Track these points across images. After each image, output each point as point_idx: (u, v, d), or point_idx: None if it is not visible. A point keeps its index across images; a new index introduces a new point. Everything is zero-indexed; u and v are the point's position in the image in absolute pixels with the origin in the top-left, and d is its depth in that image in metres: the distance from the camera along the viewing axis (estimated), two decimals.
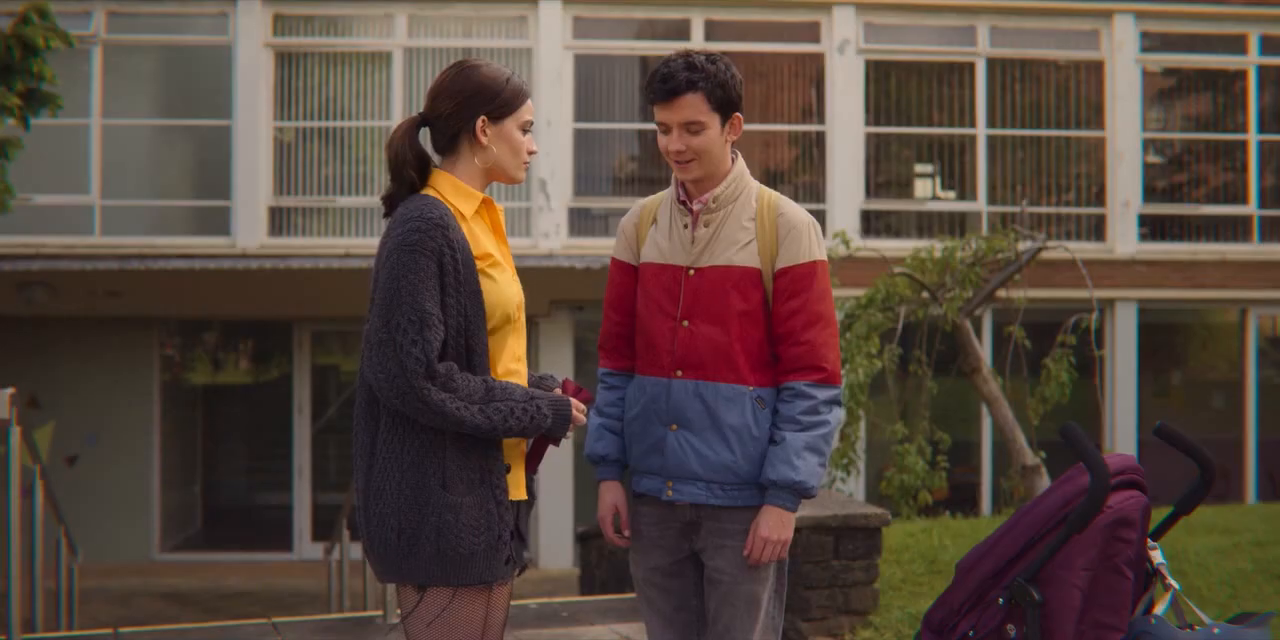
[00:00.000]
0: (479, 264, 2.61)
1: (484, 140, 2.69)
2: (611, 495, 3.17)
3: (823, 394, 3.00)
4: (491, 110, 2.67)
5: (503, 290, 2.65)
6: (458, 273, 2.56)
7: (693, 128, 2.99)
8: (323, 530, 12.80)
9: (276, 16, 12.77)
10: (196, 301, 12.98)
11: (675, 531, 3.10)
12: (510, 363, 2.69)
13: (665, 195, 3.22)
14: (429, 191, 2.67)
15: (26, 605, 5.64)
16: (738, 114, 3.05)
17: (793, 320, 3.02)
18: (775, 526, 2.96)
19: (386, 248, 2.58)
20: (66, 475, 12.50)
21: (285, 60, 12.85)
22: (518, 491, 2.69)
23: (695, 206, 3.09)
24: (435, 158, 2.76)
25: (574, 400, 2.71)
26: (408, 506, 2.55)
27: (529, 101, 2.74)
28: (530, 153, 2.77)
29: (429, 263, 2.52)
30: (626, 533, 3.15)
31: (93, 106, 12.56)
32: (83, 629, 8.14)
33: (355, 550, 7.81)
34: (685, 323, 3.05)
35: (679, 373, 3.05)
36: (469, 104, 2.67)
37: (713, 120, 3.00)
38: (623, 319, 3.22)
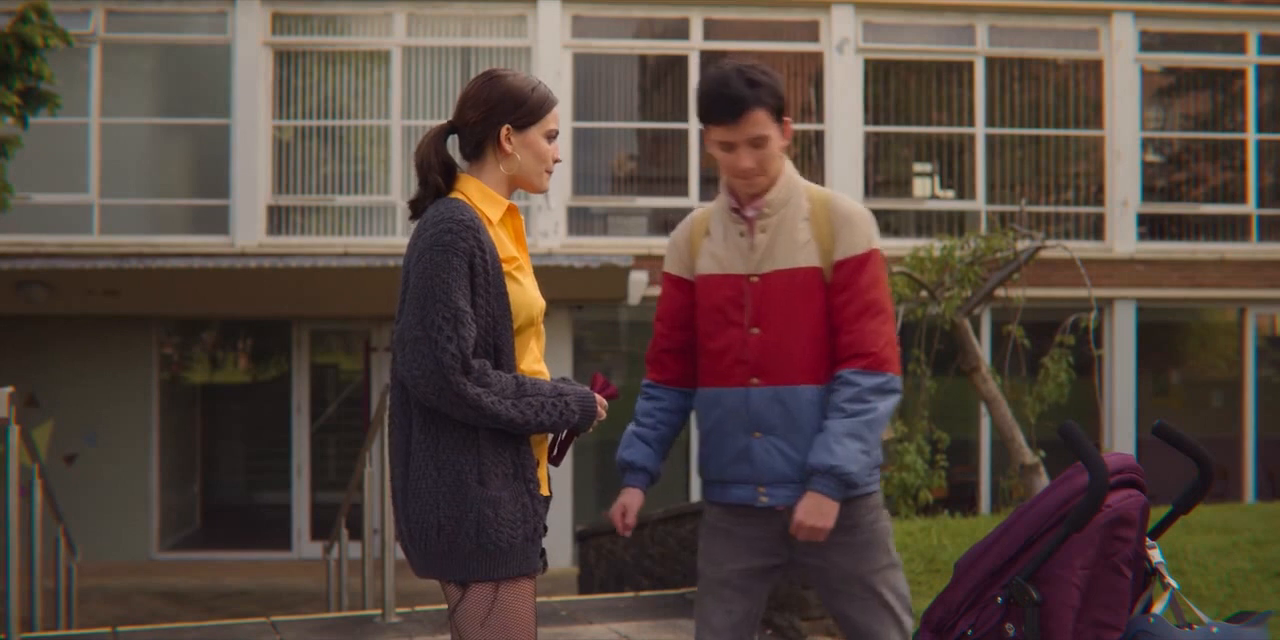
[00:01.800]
0: (505, 267, 2.66)
1: (508, 148, 2.72)
2: (628, 499, 3.19)
3: (867, 381, 2.97)
4: (516, 119, 2.71)
5: (527, 293, 2.70)
6: (487, 274, 2.60)
7: (758, 142, 2.99)
8: (321, 529, 12.81)
9: (275, 15, 12.76)
10: (195, 300, 12.98)
11: (776, 534, 3.11)
12: (532, 364, 2.75)
13: (715, 207, 3.19)
14: (457, 195, 2.71)
15: (25, 604, 5.65)
16: (787, 118, 3.07)
17: (846, 310, 3.02)
18: (811, 513, 2.93)
19: (417, 248, 2.62)
20: (65, 474, 12.50)
21: (284, 59, 12.84)
22: (544, 486, 2.74)
23: (749, 213, 3.08)
24: (462, 164, 2.79)
25: (598, 396, 2.76)
26: (446, 503, 2.58)
27: (555, 110, 2.77)
28: (555, 160, 2.80)
29: (461, 263, 2.57)
30: (629, 523, 3.18)
31: (91, 105, 12.56)
32: (81, 628, 8.15)
33: (354, 549, 7.83)
34: (755, 330, 3.05)
35: (755, 380, 3.05)
36: (494, 112, 2.70)
37: (774, 131, 3.02)
38: (671, 332, 3.22)
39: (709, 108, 3.01)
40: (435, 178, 2.71)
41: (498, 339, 2.63)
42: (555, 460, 2.81)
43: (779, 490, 3.04)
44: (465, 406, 2.53)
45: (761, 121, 2.98)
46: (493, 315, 2.62)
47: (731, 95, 2.97)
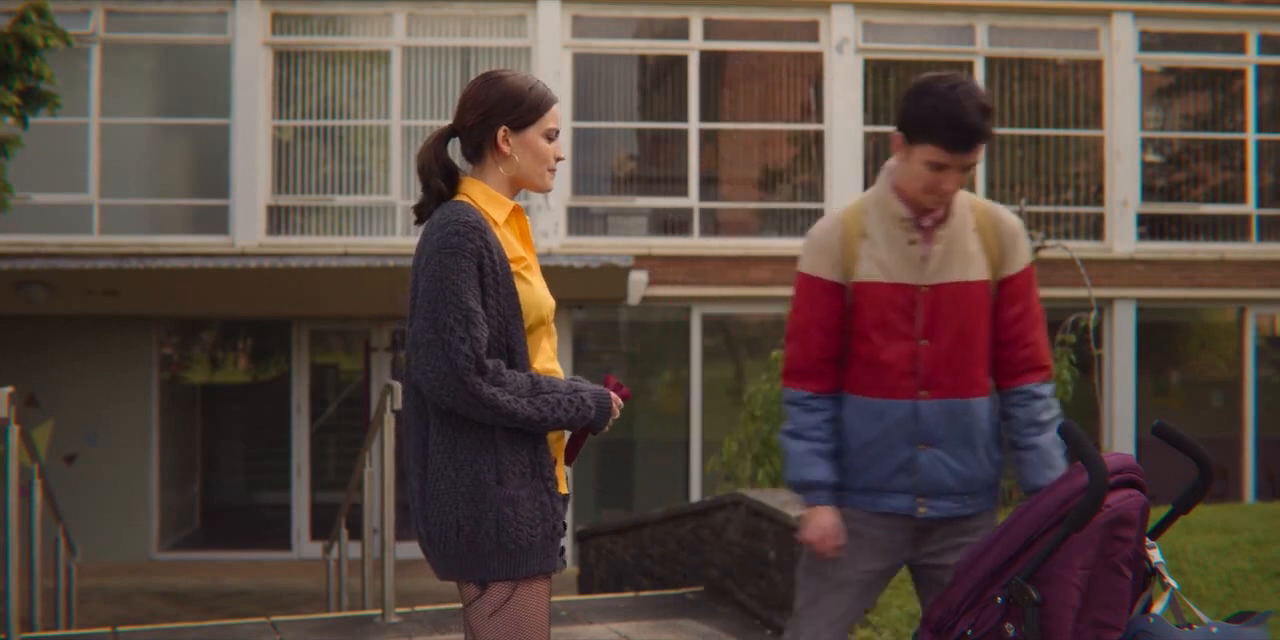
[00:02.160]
0: (513, 267, 2.67)
1: (506, 150, 2.72)
2: (824, 519, 3.10)
3: (1049, 390, 3.08)
4: (512, 120, 2.71)
5: (536, 292, 2.70)
6: (495, 275, 2.61)
7: (969, 167, 2.99)
8: (321, 529, 12.80)
9: (275, 15, 12.76)
10: (195, 300, 12.98)
11: (907, 536, 3.12)
12: (545, 363, 2.75)
13: (867, 207, 3.12)
14: (462, 198, 2.72)
15: (25, 604, 5.65)
16: None
17: (1019, 323, 3.07)
18: None
19: (425, 252, 2.63)
20: (65, 474, 12.50)
21: (284, 59, 12.84)
22: (562, 485, 2.74)
23: (927, 222, 3.05)
24: (465, 166, 2.79)
25: (613, 394, 2.75)
26: (465, 503, 2.59)
27: (553, 109, 2.75)
28: (557, 159, 2.78)
29: (470, 264, 2.57)
30: (836, 544, 3.11)
31: (91, 105, 12.55)
32: (81, 628, 8.15)
33: (354, 549, 7.82)
34: (924, 341, 3.03)
35: (923, 393, 3.04)
36: (491, 115, 2.71)
37: None
38: (828, 341, 3.12)
39: (943, 134, 2.93)
40: (437, 182, 2.71)
41: (510, 339, 2.64)
42: (569, 459, 2.81)
43: (940, 502, 3.06)
44: (482, 406, 2.54)
45: (981, 149, 2.98)
46: (504, 315, 2.63)
47: (972, 127, 2.92)
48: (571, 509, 13.44)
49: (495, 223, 2.69)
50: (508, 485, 2.59)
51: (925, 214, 3.05)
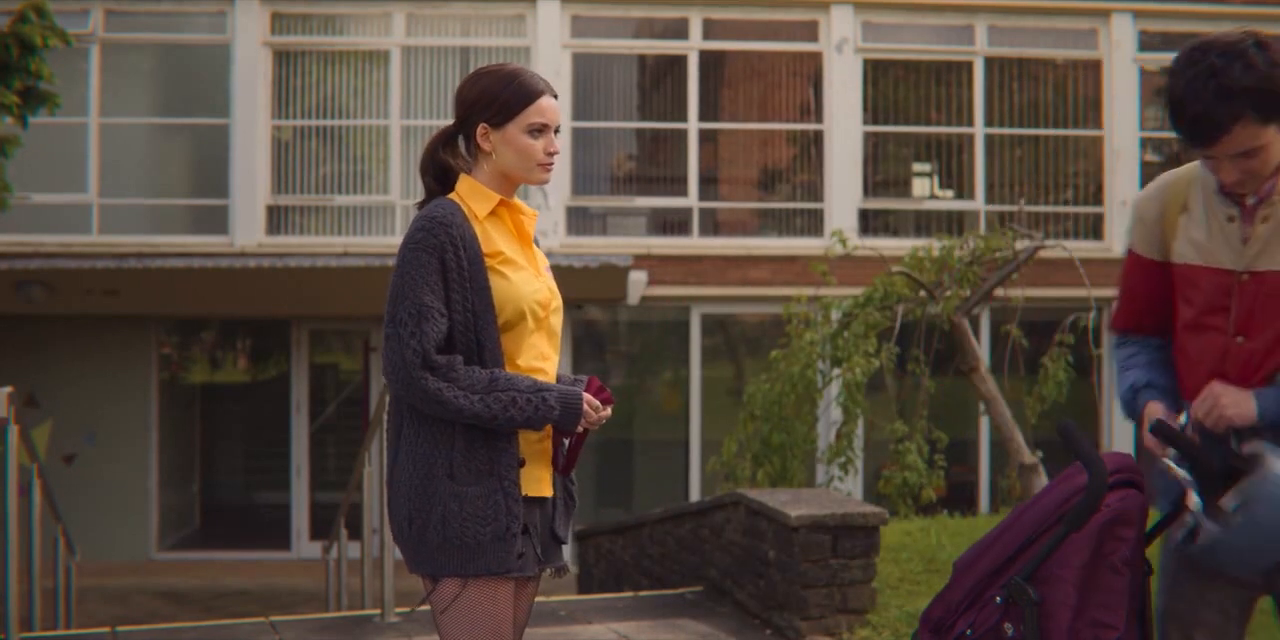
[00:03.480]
0: (489, 261, 2.65)
1: (486, 146, 2.72)
2: (1153, 409, 2.69)
3: None
4: (490, 117, 2.70)
5: (516, 288, 2.67)
6: (462, 269, 2.61)
7: (1247, 155, 2.45)
8: (321, 529, 12.81)
9: (275, 15, 12.76)
10: (194, 300, 12.98)
11: None
12: (534, 360, 2.72)
13: (1193, 176, 2.68)
14: (453, 195, 2.74)
15: (24, 604, 5.65)
16: None
17: None
18: (1233, 398, 2.55)
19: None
20: (64, 474, 12.49)
21: (283, 59, 12.84)
22: (536, 487, 2.71)
23: (1250, 200, 2.56)
24: (470, 162, 2.81)
25: (589, 396, 2.70)
26: (417, 496, 2.61)
27: (538, 102, 2.69)
28: (549, 154, 2.73)
29: (430, 259, 2.59)
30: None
31: (91, 105, 12.55)
32: (80, 628, 8.14)
33: (353, 549, 7.83)
34: (1240, 339, 2.58)
35: None
36: (471, 112, 2.72)
37: (1269, 134, 2.43)
38: (1148, 308, 2.76)
39: (1176, 126, 2.48)
40: (428, 181, 2.76)
41: (479, 334, 2.63)
42: (564, 469, 2.76)
43: None
44: (429, 401, 2.56)
45: (1246, 136, 2.41)
46: (473, 310, 2.62)
47: (1197, 118, 2.42)
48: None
49: (475, 217, 2.69)
50: (458, 481, 2.60)
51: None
